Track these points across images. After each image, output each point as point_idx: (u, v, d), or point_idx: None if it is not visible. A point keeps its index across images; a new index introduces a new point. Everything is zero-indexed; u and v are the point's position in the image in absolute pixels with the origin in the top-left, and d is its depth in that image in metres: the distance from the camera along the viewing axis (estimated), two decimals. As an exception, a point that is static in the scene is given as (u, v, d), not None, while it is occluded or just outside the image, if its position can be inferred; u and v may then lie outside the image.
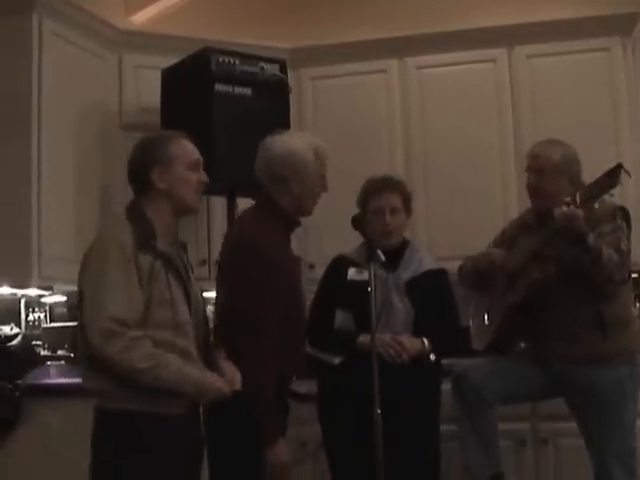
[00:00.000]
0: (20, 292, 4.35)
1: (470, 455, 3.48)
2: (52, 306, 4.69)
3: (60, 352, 4.47)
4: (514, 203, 4.45)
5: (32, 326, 4.58)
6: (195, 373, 2.54)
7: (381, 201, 3.53)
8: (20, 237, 3.95)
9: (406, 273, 3.50)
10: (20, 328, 4.43)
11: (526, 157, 3.57)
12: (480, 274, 3.61)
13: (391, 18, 5.00)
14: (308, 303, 3.67)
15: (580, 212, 3.16)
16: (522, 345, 3.74)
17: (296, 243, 4.66)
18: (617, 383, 3.35)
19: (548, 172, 3.43)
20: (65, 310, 4.70)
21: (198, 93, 4.21)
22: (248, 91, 4.28)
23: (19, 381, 3.80)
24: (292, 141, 3.04)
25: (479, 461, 3.47)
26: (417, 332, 3.42)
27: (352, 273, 3.47)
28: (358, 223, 3.21)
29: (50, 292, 4.46)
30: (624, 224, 3.38)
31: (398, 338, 3.37)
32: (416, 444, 3.37)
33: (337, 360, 3.43)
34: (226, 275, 3.02)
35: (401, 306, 3.43)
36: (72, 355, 4.39)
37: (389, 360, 3.30)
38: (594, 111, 4.53)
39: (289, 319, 2.92)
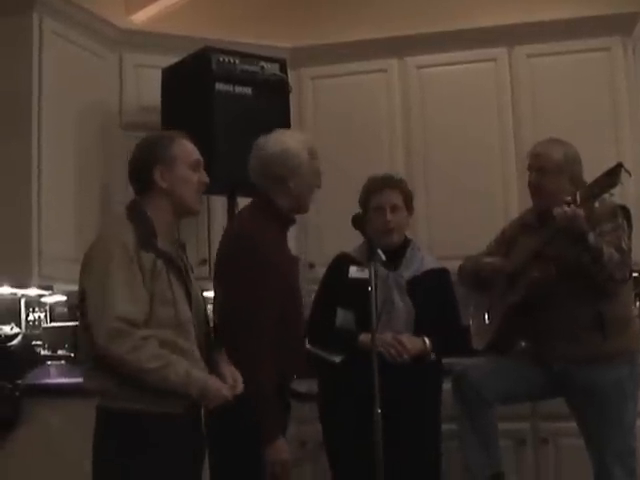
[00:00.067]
0: (20, 292, 4.34)
1: (470, 454, 3.48)
2: (52, 306, 4.69)
3: (60, 352, 4.46)
4: (514, 203, 4.46)
5: (32, 326, 4.57)
6: (201, 377, 2.54)
7: (382, 199, 3.53)
8: (20, 236, 3.94)
9: (408, 272, 3.50)
10: (20, 328, 4.43)
11: (527, 156, 3.58)
12: (480, 279, 3.62)
13: (391, 18, 5.01)
14: (308, 302, 3.68)
15: (581, 211, 3.16)
16: (522, 345, 3.73)
17: (296, 242, 4.73)
18: (617, 383, 3.35)
19: (549, 171, 3.44)
20: (65, 310, 4.70)
21: (198, 92, 4.21)
22: (248, 90, 4.28)
23: (19, 381, 3.80)
24: (286, 140, 3.06)
25: (479, 460, 3.47)
26: (418, 331, 3.42)
27: (353, 271, 3.46)
28: (358, 222, 3.21)
29: (50, 292, 4.46)
30: (625, 223, 3.38)
31: (399, 337, 3.36)
32: (417, 443, 3.36)
33: (338, 359, 3.43)
34: (222, 274, 3.02)
35: (402, 305, 3.43)
36: (72, 355, 4.39)
37: (390, 359, 3.30)
38: (594, 111, 4.53)
39: (286, 317, 2.93)
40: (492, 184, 4.62)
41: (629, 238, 3.37)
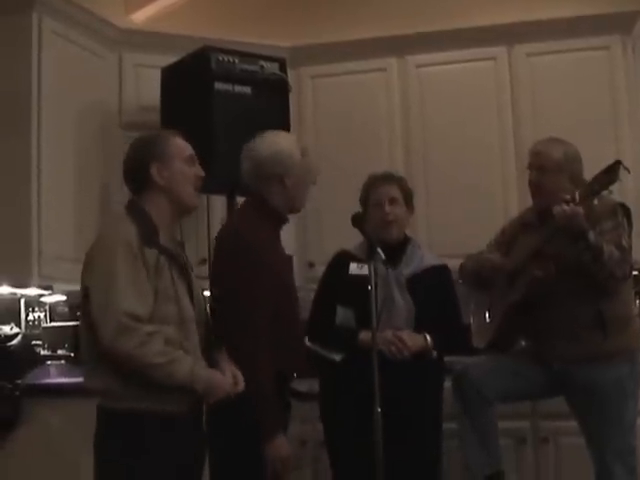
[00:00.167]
0: (20, 292, 4.34)
1: (470, 453, 3.48)
2: (52, 305, 4.69)
3: (60, 352, 4.46)
4: (514, 202, 4.46)
5: (32, 326, 4.57)
6: (205, 372, 2.56)
7: (380, 193, 3.54)
8: (20, 236, 3.94)
9: (408, 269, 3.49)
10: (20, 328, 4.43)
11: (528, 154, 3.58)
12: (481, 277, 3.62)
13: (391, 16, 5.00)
14: (308, 301, 3.68)
15: (580, 210, 3.17)
16: (522, 343, 3.73)
17: (295, 241, 4.73)
18: (617, 382, 3.35)
19: (549, 170, 3.44)
20: (65, 309, 4.70)
21: (198, 92, 4.21)
22: (248, 90, 4.27)
23: (19, 381, 3.80)
24: (278, 140, 3.11)
25: (479, 459, 3.47)
26: (418, 328, 3.42)
27: (354, 268, 3.46)
28: (358, 221, 3.21)
29: (50, 291, 4.46)
30: (625, 221, 3.39)
31: (399, 334, 3.36)
32: (418, 441, 3.36)
33: (338, 357, 3.43)
34: (217, 274, 3.04)
35: (402, 302, 3.43)
36: (72, 355, 4.38)
37: (390, 357, 3.30)
38: (594, 109, 4.53)
39: (282, 316, 2.94)
40: (492, 183, 4.62)
41: (629, 236, 3.38)
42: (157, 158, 2.66)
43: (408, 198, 3.59)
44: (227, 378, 2.63)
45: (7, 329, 4.27)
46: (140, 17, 5.13)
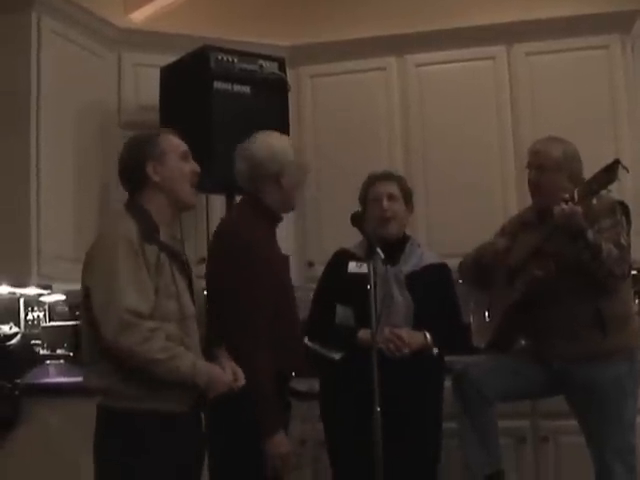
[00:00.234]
0: (19, 291, 4.34)
1: (470, 452, 3.48)
2: (51, 305, 4.69)
3: (59, 351, 4.45)
4: (513, 201, 4.46)
5: (31, 325, 4.57)
6: (206, 367, 2.57)
7: (378, 189, 3.56)
8: (19, 235, 3.94)
9: (406, 267, 3.50)
10: (19, 327, 4.43)
11: (527, 153, 3.58)
12: (481, 268, 3.61)
13: (390, 16, 5.01)
14: (306, 301, 3.68)
15: (579, 209, 3.17)
16: (522, 342, 3.73)
17: (294, 240, 4.73)
18: (617, 380, 3.36)
19: (548, 169, 3.44)
20: (64, 309, 4.70)
21: (197, 91, 4.21)
22: (247, 89, 4.27)
23: (18, 380, 3.80)
24: (271, 141, 3.14)
25: (479, 459, 3.47)
26: (417, 326, 3.42)
27: (352, 266, 3.47)
28: (357, 221, 3.21)
29: (49, 291, 4.46)
30: (623, 219, 3.39)
31: (397, 332, 3.36)
32: (417, 438, 3.36)
33: (337, 356, 3.43)
34: (215, 273, 3.04)
35: (401, 300, 3.43)
36: (71, 354, 4.38)
37: (389, 354, 3.29)
38: (593, 108, 4.53)
39: (281, 315, 2.96)
40: (491, 182, 4.62)
41: (628, 234, 3.38)
42: (152, 156, 2.67)
43: (407, 197, 3.59)
44: (227, 374, 2.63)
45: (6, 328, 4.27)
46: (139, 16, 5.13)
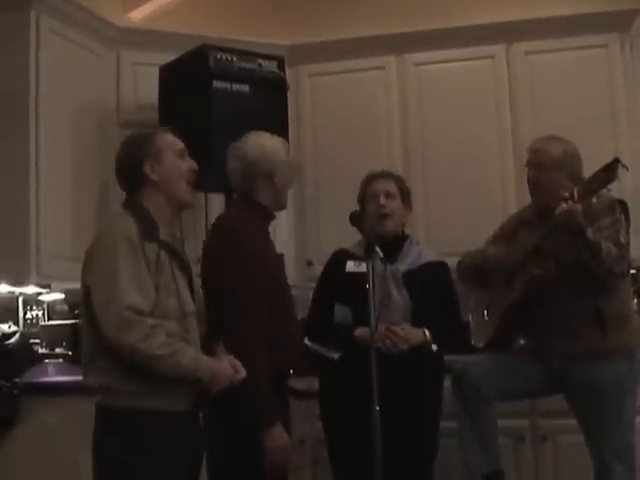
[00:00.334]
0: (18, 290, 4.34)
1: (469, 452, 3.48)
2: (50, 304, 4.68)
3: (58, 350, 4.45)
4: (512, 199, 4.47)
5: (30, 324, 4.57)
6: (207, 361, 2.58)
7: (376, 187, 3.58)
8: (18, 234, 3.94)
9: (404, 265, 3.50)
10: (18, 326, 4.43)
11: (527, 152, 3.59)
12: (479, 270, 3.62)
13: (389, 15, 5.01)
14: (305, 300, 3.69)
15: (578, 207, 3.17)
16: (521, 341, 3.73)
17: (294, 239, 4.73)
18: (616, 379, 3.36)
19: (548, 167, 3.44)
20: (63, 308, 4.70)
21: (196, 90, 4.21)
22: (246, 88, 4.27)
23: (17, 379, 3.79)
24: (263, 141, 3.16)
25: (478, 458, 3.47)
26: (416, 324, 3.43)
27: (350, 265, 3.48)
28: (356, 220, 3.22)
29: (48, 290, 4.45)
30: (623, 217, 3.39)
31: (392, 328, 3.35)
32: (415, 434, 3.36)
33: (336, 355, 3.43)
34: (210, 272, 3.04)
35: (399, 298, 3.44)
36: (70, 353, 4.38)
37: (386, 351, 3.29)
38: (592, 107, 4.53)
39: (277, 314, 2.97)
40: (490, 181, 4.62)
41: (627, 233, 3.38)
42: (149, 155, 2.67)
43: (405, 195, 3.60)
44: (228, 367, 2.64)
45: (5, 327, 4.27)
46: (138, 15, 5.12)
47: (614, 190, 3.26)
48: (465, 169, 4.63)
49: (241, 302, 2.89)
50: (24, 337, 4.31)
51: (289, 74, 4.52)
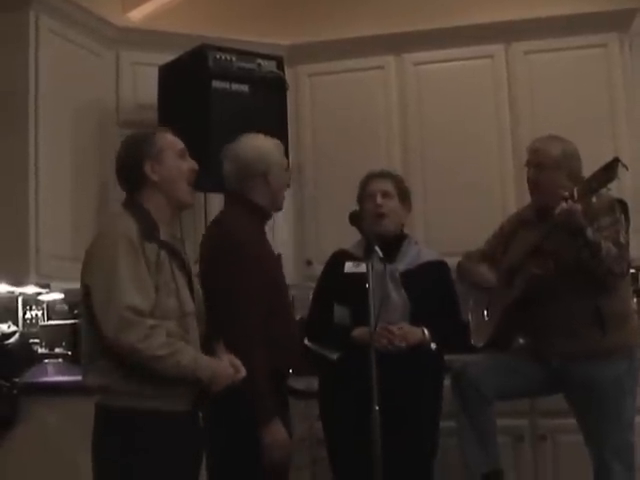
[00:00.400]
0: (17, 290, 4.34)
1: (468, 451, 3.48)
2: (50, 304, 4.69)
3: (58, 350, 4.45)
4: (512, 199, 4.46)
5: (29, 324, 4.57)
6: (207, 361, 2.58)
7: (372, 186, 3.58)
8: (17, 234, 3.93)
9: (402, 265, 3.50)
10: (17, 326, 4.43)
11: (526, 151, 3.59)
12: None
13: (388, 14, 5.00)
14: (304, 300, 3.69)
15: (578, 206, 3.17)
16: (521, 341, 3.73)
17: (293, 239, 4.73)
18: (616, 379, 3.36)
19: (547, 167, 3.45)
20: (63, 308, 4.70)
21: (195, 90, 4.21)
22: (245, 88, 4.27)
23: (17, 379, 3.79)
24: (260, 142, 3.19)
25: (477, 457, 3.47)
26: (414, 324, 3.42)
27: (349, 266, 3.48)
28: (356, 219, 3.22)
29: (47, 290, 4.45)
30: (622, 217, 3.39)
31: (388, 327, 3.35)
32: (414, 433, 3.36)
33: (334, 356, 3.43)
34: (207, 272, 3.04)
35: (397, 298, 3.44)
36: (70, 353, 4.38)
37: (383, 350, 3.29)
38: (591, 107, 4.53)
39: (275, 313, 2.98)
40: (490, 180, 4.62)
41: (627, 232, 3.38)
42: (150, 155, 2.66)
43: (403, 195, 3.60)
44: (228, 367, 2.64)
45: (4, 327, 4.27)
46: (137, 15, 5.12)
47: (614, 190, 3.26)
48: (464, 169, 4.63)
49: (237, 302, 2.90)
50: (23, 337, 4.31)
51: (288, 74, 4.52)
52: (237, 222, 3.07)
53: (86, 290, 2.54)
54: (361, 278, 3.10)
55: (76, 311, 4.44)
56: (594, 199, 3.25)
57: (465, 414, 3.48)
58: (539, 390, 3.62)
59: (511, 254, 3.55)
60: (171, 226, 2.74)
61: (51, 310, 4.69)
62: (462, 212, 4.56)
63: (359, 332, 3.34)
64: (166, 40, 4.60)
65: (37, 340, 4.50)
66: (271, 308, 2.97)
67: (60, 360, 4.39)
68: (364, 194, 3.60)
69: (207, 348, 2.68)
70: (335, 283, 3.53)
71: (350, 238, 3.50)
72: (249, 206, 3.11)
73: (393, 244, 3.52)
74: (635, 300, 4.31)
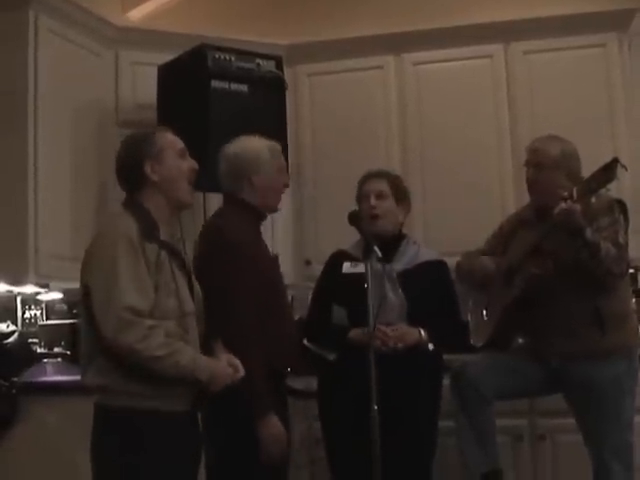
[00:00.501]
0: (16, 289, 4.34)
1: (468, 451, 3.48)
2: (48, 303, 4.68)
3: (56, 349, 4.45)
4: (511, 199, 4.46)
5: (28, 323, 4.57)
6: (206, 361, 2.58)
7: (367, 187, 3.59)
8: (16, 234, 3.93)
9: (399, 265, 3.50)
10: (16, 325, 4.43)
11: (525, 151, 3.59)
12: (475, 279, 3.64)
13: (387, 14, 5.00)
14: (303, 299, 3.69)
15: (578, 207, 3.17)
16: (520, 341, 3.73)
17: (292, 239, 4.73)
18: (615, 379, 3.36)
19: (546, 167, 3.45)
20: (62, 307, 4.70)
21: (194, 89, 4.21)
22: (244, 88, 4.27)
23: (15, 379, 3.79)
24: (247, 142, 3.22)
25: (477, 457, 3.47)
26: (412, 324, 3.42)
27: (347, 267, 3.49)
28: (354, 219, 3.22)
29: (46, 289, 4.45)
30: (621, 217, 3.39)
31: (382, 328, 3.34)
32: (411, 433, 3.36)
33: (332, 356, 3.44)
34: (202, 272, 3.04)
35: (394, 298, 3.43)
36: (69, 352, 4.38)
37: (378, 351, 3.28)
38: (590, 107, 4.52)
39: (272, 313, 3.00)
40: (489, 180, 4.62)
41: (626, 233, 3.38)
42: (150, 155, 2.66)
43: (400, 195, 3.59)
44: (226, 366, 2.64)
45: (3, 327, 4.27)
46: (137, 15, 5.12)
47: (613, 190, 3.26)
48: (464, 168, 4.62)
49: (232, 301, 2.90)
50: (22, 337, 4.31)
51: (287, 73, 4.52)
52: (231, 222, 3.08)
53: (85, 290, 2.54)
54: (359, 278, 3.11)
55: (75, 311, 4.44)
56: (593, 199, 3.25)
57: (464, 414, 3.48)
58: (538, 390, 3.62)
59: (510, 254, 3.55)
60: (171, 226, 2.74)
61: (50, 310, 4.69)
62: (461, 212, 4.56)
63: (354, 333, 3.36)
64: (165, 40, 4.60)
65: (36, 340, 4.50)
66: (267, 308, 2.97)
67: (59, 360, 4.39)
68: (360, 194, 3.61)
69: (207, 348, 2.69)
70: (333, 283, 3.53)
71: (349, 238, 3.50)
72: (243, 206, 3.13)
73: (391, 244, 3.52)
74: (634, 300, 4.29)
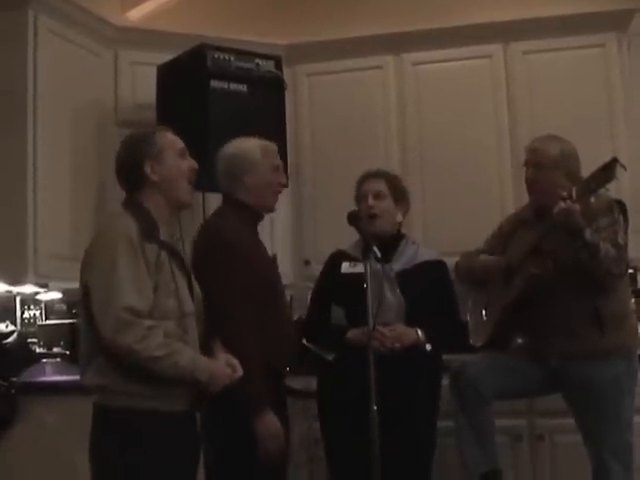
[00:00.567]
0: (15, 289, 4.34)
1: (467, 451, 3.48)
2: (48, 303, 4.68)
3: (56, 349, 4.45)
4: (510, 199, 4.46)
5: (27, 323, 4.57)
6: (205, 362, 2.58)
7: (365, 187, 3.59)
8: (16, 234, 3.93)
9: (397, 265, 3.50)
10: (15, 325, 4.43)
11: (525, 151, 3.59)
12: (475, 276, 3.64)
13: (387, 14, 5.01)
14: (303, 299, 3.69)
15: (577, 207, 3.17)
16: (519, 341, 3.73)
17: (291, 239, 4.73)
18: (614, 379, 3.36)
19: (545, 167, 3.45)
20: (61, 307, 4.70)
21: (194, 89, 4.21)
22: (244, 87, 4.27)
23: (15, 379, 3.79)
24: (241, 142, 3.23)
25: (476, 457, 3.47)
26: (410, 324, 3.42)
27: (345, 267, 3.49)
28: (354, 219, 3.22)
29: (46, 289, 4.45)
30: (621, 218, 3.39)
31: (379, 329, 3.33)
32: (409, 434, 3.36)
33: (331, 356, 3.44)
34: (200, 272, 3.05)
35: (392, 298, 3.43)
36: (68, 352, 4.38)
37: (375, 352, 3.28)
38: (590, 107, 4.52)
39: (269, 313, 3.00)
40: (488, 180, 4.62)
41: (625, 233, 3.38)
42: (150, 155, 2.66)
43: (398, 194, 3.59)
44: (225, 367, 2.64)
45: (3, 327, 4.27)
46: (136, 15, 5.13)
47: (612, 190, 3.26)
48: (463, 168, 4.62)
49: (228, 301, 2.90)
50: (22, 336, 4.32)
51: (287, 73, 4.52)
52: (228, 222, 3.09)
53: (85, 290, 2.53)
54: (357, 278, 3.11)
55: (74, 311, 4.44)
56: (592, 199, 3.25)
57: (463, 414, 3.48)
58: (538, 390, 3.62)
59: (510, 254, 3.55)
60: (170, 226, 2.74)
61: (49, 310, 4.69)
62: (460, 212, 4.56)
63: (353, 333, 3.36)
64: (165, 40, 4.60)
65: (35, 340, 4.50)
66: (265, 308, 2.98)
67: (58, 360, 4.38)
68: (359, 194, 3.61)
69: (207, 348, 2.68)
70: (332, 283, 3.53)
71: (348, 238, 3.50)
72: (239, 206, 3.13)
73: (390, 244, 3.52)
74: (633, 300, 4.29)
